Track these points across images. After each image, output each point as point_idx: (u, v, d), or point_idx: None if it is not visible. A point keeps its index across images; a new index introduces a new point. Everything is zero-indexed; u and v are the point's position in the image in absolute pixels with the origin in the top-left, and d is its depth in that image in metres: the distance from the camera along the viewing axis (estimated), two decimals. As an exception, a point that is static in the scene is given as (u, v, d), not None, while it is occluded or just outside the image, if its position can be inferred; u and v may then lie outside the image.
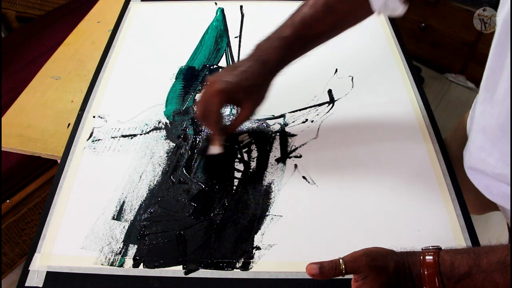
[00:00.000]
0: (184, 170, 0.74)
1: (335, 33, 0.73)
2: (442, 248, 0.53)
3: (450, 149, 0.80)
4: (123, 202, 0.69)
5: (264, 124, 0.81)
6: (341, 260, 0.53)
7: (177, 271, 0.62)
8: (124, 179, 0.72)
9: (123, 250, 0.64)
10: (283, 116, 0.83)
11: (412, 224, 0.67)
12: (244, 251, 0.64)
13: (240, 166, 0.74)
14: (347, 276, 0.54)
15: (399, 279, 0.51)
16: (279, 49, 0.68)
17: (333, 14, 0.69)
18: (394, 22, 1.05)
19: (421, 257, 0.51)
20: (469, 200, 0.72)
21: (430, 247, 0.53)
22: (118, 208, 0.69)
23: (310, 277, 0.53)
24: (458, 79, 2.15)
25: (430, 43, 2.12)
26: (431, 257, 0.51)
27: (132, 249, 0.64)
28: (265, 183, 0.72)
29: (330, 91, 0.87)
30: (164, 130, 0.80)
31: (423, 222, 0.67)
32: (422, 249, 0.53)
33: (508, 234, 0.86)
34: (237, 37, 1.02)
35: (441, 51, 2.11)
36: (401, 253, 0.53)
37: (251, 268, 0.62)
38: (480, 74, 0.63)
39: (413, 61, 0.94)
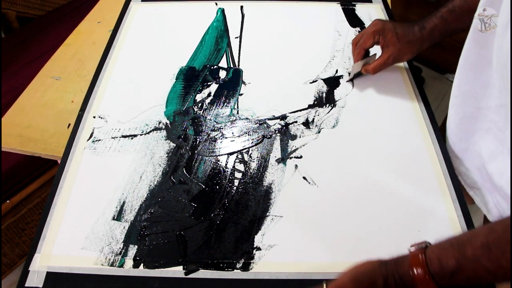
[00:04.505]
0: (184, 171, 0.73)
1: None
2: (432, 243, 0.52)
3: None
4: (123, 203, 0.69)
5: (264, 124, 0.81)
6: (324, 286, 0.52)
7: (177, 271, 0.62)
8: (124, 179, 0.72)
9: (123, 251, 0.64)
10: (283, 116, 0.82)
11: (412, 224, 0.67)
12: (245, 252, 0.64)
13: (240, 167, 0.74)
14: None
15: None
16: (437, 18, 0.80)
17: None
18: (395, 21, 1.05)
19: (409, 261, 0.51)
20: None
21: (417, 247, 0.52)
22: (118, 209, 0.68)
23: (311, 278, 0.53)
24: (458, 79, 2.14)
25: (431, 44, 2.11)
26: (419, 258, 0.50)
27: (132, 250, 0.64)
28: (266, 183, 0.72)
29: (330, 92, 0.87)
30: (165, 131, 0.80)
31: (423, 222, 0.67)
32: (409, 250, 0.52)
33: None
34: (237, 37, 1.02)
35: (442, 51, 2.11)
36: (389, 264, 0.52)
37: (251, 268, 0.62)
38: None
39: (413, 62, 0.94)
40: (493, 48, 0.62)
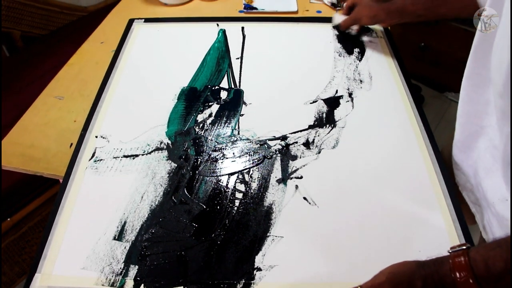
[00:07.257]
0: (185, 191, 0.74)
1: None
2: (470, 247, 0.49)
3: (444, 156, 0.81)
4: (125, 223, 0.69)
5: (265, 145, 0.82)
6: None
7: (177, 292, 0.62)
8: (125, 199, 0.73)
9: (124, 271, 0.64)
10: (284, 137, 0.83)
11: (413, 244, 0.67)
12: (245, 272, 0.64)
13: (241, 187, 0.75)
14: None
15: None
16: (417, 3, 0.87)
17: None
18: (393, 41, 1.07)
19: (451, 263, 0.48)
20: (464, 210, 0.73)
21: (458, 249, 0.49)
22: (119, 229, 0.69)
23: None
24: (458, 97, 2.16)
25: (430, 62, 2.14)
26: (461, 260, 0.47)
27: (133, 270, 0.64)
28: (266, 204, 0.72)
29: (330, 112, 0.88)
30: (166, 151, 0.81)
31: (424, 242, 0.67)
32: (449, 252, 0.50)
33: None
34: (238, 58, 1.03)
35: (441, 70, 2.13)
36: (428, 266, 0.50)
37: (252, 289, 0.62)
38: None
39: (413, 80, 0.95)
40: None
